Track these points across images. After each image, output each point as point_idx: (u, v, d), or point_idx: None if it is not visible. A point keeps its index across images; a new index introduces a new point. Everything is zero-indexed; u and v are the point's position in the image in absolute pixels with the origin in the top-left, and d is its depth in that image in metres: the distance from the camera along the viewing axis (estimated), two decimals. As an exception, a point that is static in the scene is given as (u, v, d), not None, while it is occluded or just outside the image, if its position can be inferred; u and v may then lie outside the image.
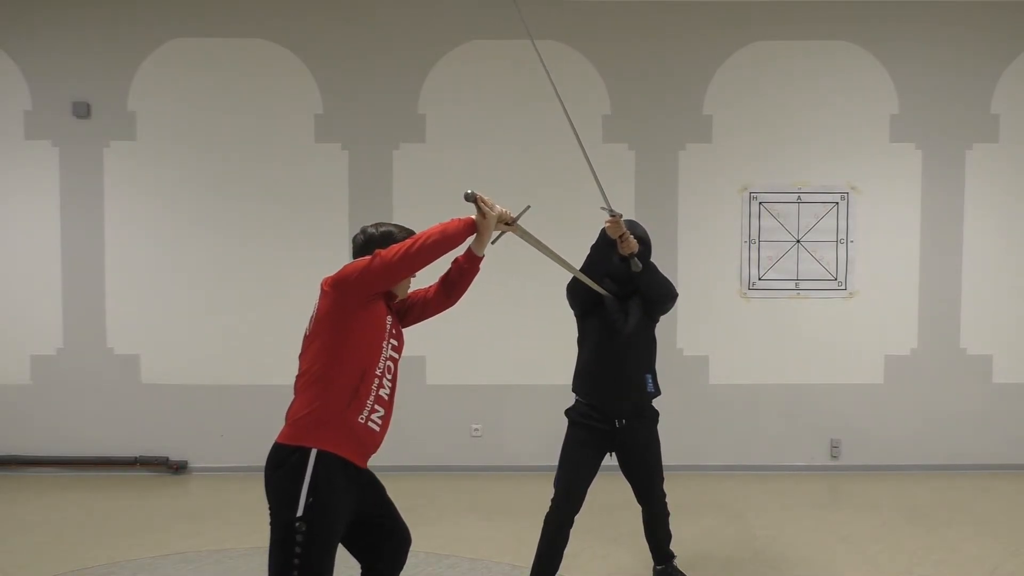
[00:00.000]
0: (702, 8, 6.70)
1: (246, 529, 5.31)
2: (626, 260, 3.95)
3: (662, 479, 4.18)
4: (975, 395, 6.80)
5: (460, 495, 6.16)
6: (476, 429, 6.77)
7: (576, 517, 3.99)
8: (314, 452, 2.86)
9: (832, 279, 6.76)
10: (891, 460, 6.79)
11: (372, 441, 3.01)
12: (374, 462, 3.10)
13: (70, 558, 4.86)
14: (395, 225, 3.22)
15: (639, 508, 4.24)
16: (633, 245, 3.90)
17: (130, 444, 6.73)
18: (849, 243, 6.74)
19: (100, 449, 6.72)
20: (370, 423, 2.97)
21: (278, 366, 5.91)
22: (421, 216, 6.78)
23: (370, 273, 2.94)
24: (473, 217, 3.13)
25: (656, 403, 4.19)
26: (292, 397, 3.03)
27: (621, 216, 3.88)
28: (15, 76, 6.64)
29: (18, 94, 6.65)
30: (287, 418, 2.99)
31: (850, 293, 6.77)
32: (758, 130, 6.73)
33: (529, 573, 4.04)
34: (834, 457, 6.81)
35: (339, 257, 3.17)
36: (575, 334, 4.19)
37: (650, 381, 4.08)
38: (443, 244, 2.99)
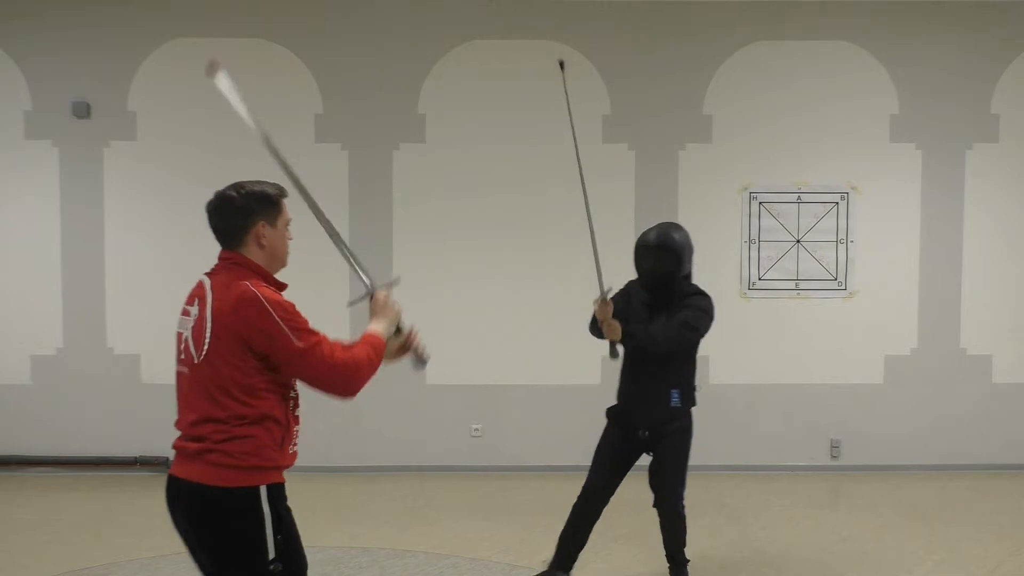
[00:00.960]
0: (702, 8, 6.69)
1: (246, 529, 5.30)
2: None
3: (676, 490, 4.27)
4: (975, 395, 6.80)
5: (460, 495, 6.15)
6: (476, 429, 6.77)
7: (604, 510, 4.22)
8: (264, 489, 2.59)
9: (832, 279, 6.75)
10: (891, 460, 6.78)
11: (293, 461, 2.76)
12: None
13: (70, 558, 4.85)
14: (262, 182, 2.73)
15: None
16: (614, 333, 3.93)
17: (130, 444, 6.71)
18: (849, 243, 6.74)
19: (100, 449, 6.71)
20: (293, 447, 2.71)
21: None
22: (421, 216, 6.86)
23: (305, 362, 2.56)
24: (381, 334, 2.80)
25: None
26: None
27: (610, 304, 3.93)
28: (15, 76, 6.63)
29: (18, 94, 6.64)
30: (203, 456, 2.56)
31: (850, 293, 6.76)
32: (758, 130, 6.72)
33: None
34: (834, 457, 6.81)
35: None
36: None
37: (676, 395, 4.13)
38: (376, 362, 2.70)
